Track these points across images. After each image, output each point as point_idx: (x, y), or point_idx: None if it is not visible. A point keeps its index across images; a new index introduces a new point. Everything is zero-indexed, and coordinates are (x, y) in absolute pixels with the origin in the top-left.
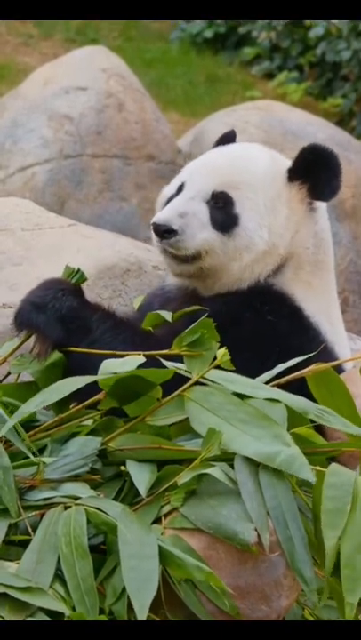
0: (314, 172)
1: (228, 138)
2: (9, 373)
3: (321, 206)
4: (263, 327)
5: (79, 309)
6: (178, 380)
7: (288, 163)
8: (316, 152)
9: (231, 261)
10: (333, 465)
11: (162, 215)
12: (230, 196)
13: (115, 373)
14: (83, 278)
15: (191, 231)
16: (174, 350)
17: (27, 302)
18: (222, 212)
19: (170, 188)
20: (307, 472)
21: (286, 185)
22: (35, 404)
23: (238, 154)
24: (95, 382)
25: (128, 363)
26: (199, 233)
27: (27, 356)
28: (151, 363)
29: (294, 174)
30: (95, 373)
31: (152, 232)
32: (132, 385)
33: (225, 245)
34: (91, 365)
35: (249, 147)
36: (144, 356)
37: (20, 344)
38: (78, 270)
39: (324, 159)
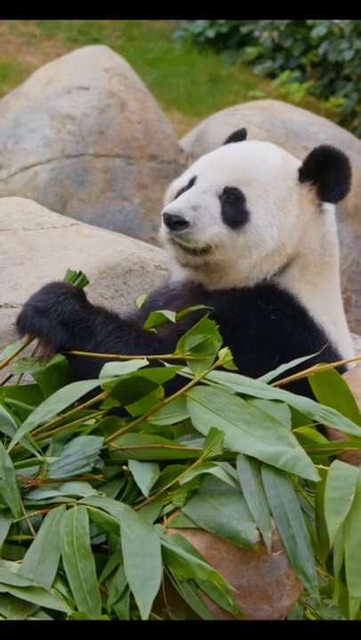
0: (324, 173)
1: (238, 136)
2: (11, 376)
3: (329, 209)
4: (267, 326)
5: (82, 312)
6: (180, 382)
7: (298, 163)
8: (327, 153)
9: (239, 258)
10: (337, 461)
11: (174, 206)
12: (242, 192)
13: (116, 376)
14: (85, 281)
15: (202, 224)
16: (177, 355)
17: (29, 307)
18: (234, 207)
19: (180, 181)
20: (311, 473)
21: (297, 185)
22: (42, 414)
23: (251, 151)
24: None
25: (130, 366)
26: (210, 227)
27: (29, 359)
28: (155, 366)
29: (305, 175)
30: (99, 376)
31: (162, 222)
32: (134, 385)
33: (234, 242)
34: (95, 368)
35: (261, 144)
36: (148, 359)
37: (22, 348)
38: (80, 273)
39: (335, 161)
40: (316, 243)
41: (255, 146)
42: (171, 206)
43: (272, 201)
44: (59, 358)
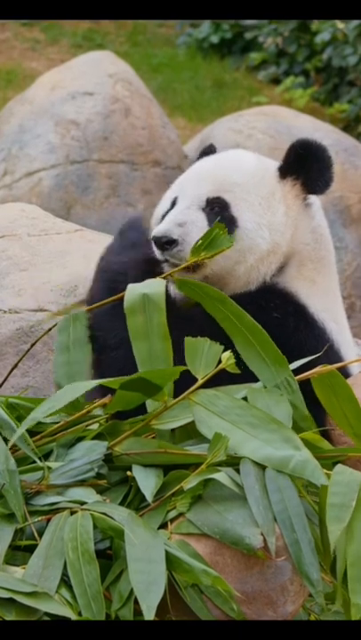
0: (305, 166)
1: (207, 152)
2: (9, 373)
3: (315, 202)
4: (270, 325)
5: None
6: (184, 385)
7: (275, 163)
8: (305, 146)
9: (236, 264)
10: (340, 465)
11: (161, 227)
12: (225, 200)
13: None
14: None
15: (192, 239)
16: (191, 260)
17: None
18: (220, 216)
19: (163, 205)
20: (320, 477)
21: (279, 182)
22: (42, 412)
23: (224, 159)
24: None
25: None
26: None
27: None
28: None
29: (286, 171)
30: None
31: (154, 247)
32: (137, 388)
33: (228, 249)
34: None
35: (233, 151)
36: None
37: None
38: None
39: (315, 152)
40: (308, 237)
41: (227, 154)
42: (157, 229)
43: (256, 202)
44: (78, 310)
